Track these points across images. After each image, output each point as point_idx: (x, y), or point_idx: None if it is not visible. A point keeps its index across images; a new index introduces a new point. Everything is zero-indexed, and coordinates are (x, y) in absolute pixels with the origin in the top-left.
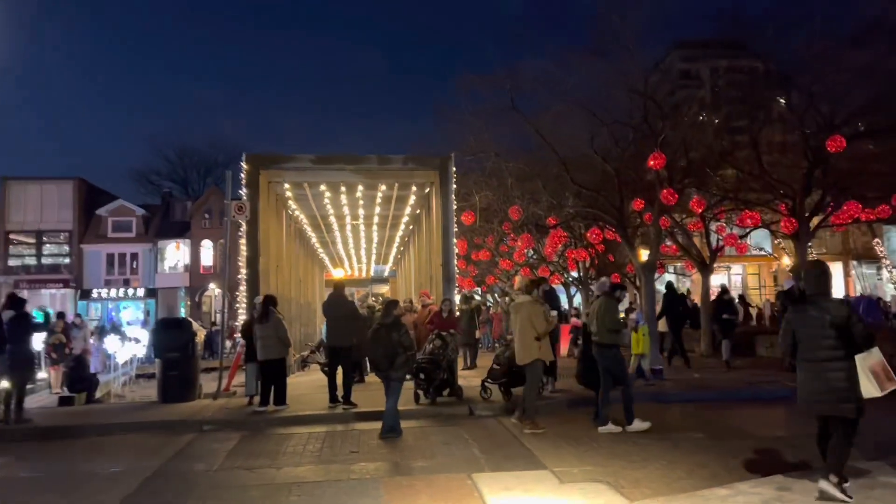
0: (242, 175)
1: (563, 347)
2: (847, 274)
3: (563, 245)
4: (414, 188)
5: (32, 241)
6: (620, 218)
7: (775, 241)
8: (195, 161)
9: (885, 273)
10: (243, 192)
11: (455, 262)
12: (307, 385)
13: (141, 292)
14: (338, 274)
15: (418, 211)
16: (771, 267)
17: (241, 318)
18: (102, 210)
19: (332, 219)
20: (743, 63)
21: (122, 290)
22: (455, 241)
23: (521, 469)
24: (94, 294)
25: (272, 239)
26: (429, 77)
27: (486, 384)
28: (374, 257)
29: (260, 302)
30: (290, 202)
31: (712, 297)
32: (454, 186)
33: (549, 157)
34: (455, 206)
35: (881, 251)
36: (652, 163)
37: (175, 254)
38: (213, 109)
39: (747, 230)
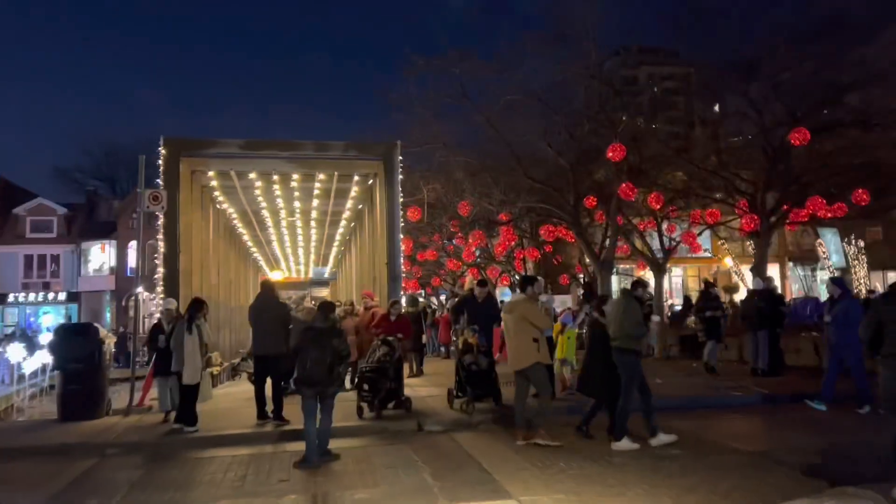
0: (160, 162)
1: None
2: (784, 276)
3: (514, 244)
4: (356, 179)
5: None
6: (575, 214)
7: (718, 242)
8: (123, 158)
9: (825, 274)
10: (160, 180)
11: (401, 260)
12: (234, 398)
13: (62, 296)
14: (275, 276)
15: (360, 206)
16: (711, 268)
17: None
18: (20, 209)
19: (266, 214)
20: (700, 57)
21: (41, 295)
22: (401, 237)
23: (482, 499)
24: (11, 298)
25: (196, 235)
26: (375, 72)
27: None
28: (312, 258)
29: (174, 307)
30: (218, 194)
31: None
32: (400, 177)
33: (500, 150)
34: (401, 200)
35: (823, 252)
36: (610, 154)
37: (100, 255)
38: (144, 107)
39: (703, 228)
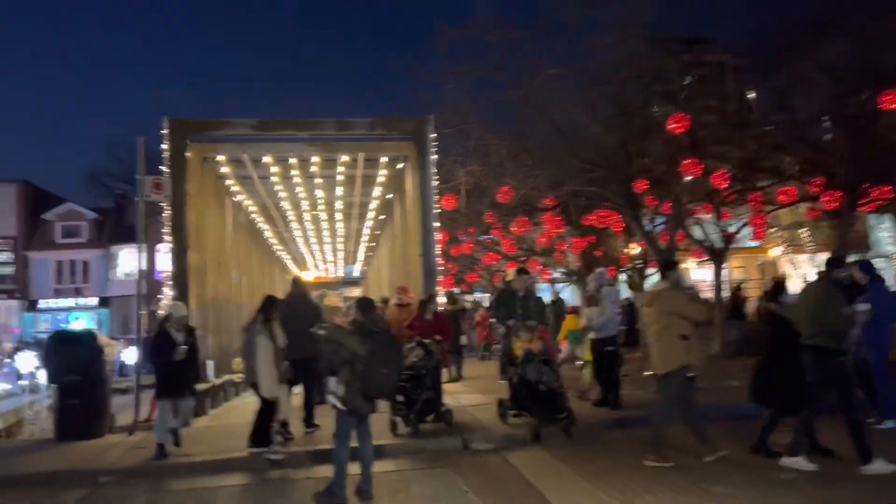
0: (164, 146)
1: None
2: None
3: (560, 233)
4: (383, 161)
5: None
6: (629, 197)
7: (769, 230)
8: (153, 161)
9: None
10: (165, 167)
11: (437, 251)
12: (248, 410)
13: (93, 302)
14: (305, 276)
15: (390, 195)
16: (756, 259)
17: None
18: (50, 214)
19: (287, 207)
20: (764, 20)
21: (72, 300)
22: (437, 224)
23: None
24: (43, 305)
25: (211, 230)
26: (400, 55)
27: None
28: (341, 256)
29: (185, 313)
30: (232, 184)
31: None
32: (434, 157)
33: (541, 129)
34: (435, 184)
35: (887, 238)
36: (673, 125)
37: (130, 259)
38: (172, 108)
39: (773, 209)
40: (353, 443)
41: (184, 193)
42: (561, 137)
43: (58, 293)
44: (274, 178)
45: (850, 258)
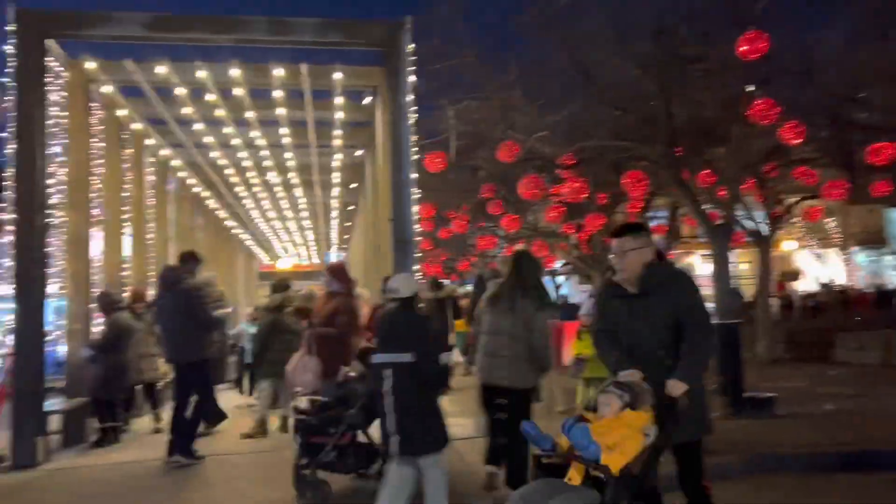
0: (8, 47)
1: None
2: (847, 262)
3: (583, 198)
4: (343, 85)
5: None
6: (671, 156)
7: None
8: None
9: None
10: (8, 79)
11: (415, 212)
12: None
13: None
14: (283, 265)
15: (359, 152)
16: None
17: None
18: None
19: (225, 166)
20: None
21: None
22: (414, 176)
23: None
24: None
25: (113, 184)
26: None
27: None
28: (314, 238)
29: None
30: (133, 123)
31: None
32: (412, 79)
33: (560, 67)
34: (414, 119)
35: None
36: (745, 48)
37: None
38: None
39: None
40: None
41: (37, 120)
42: (585, 76)
43: None
44: (187, 112)
45: None
